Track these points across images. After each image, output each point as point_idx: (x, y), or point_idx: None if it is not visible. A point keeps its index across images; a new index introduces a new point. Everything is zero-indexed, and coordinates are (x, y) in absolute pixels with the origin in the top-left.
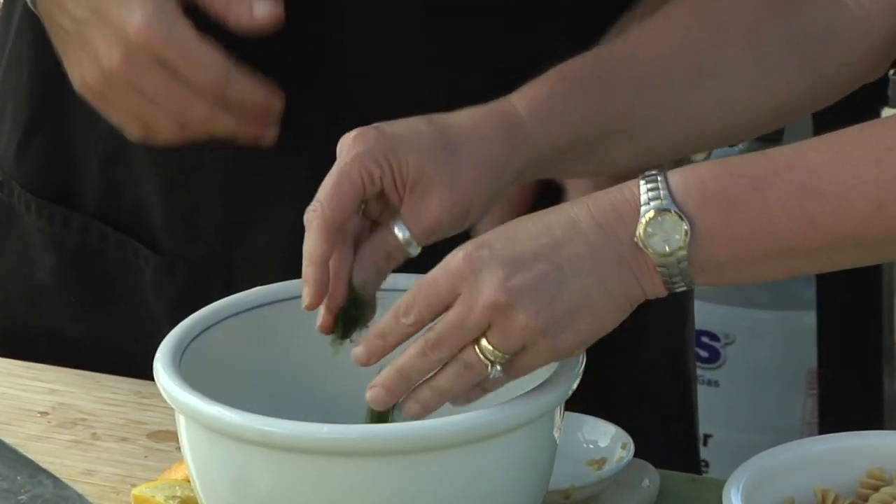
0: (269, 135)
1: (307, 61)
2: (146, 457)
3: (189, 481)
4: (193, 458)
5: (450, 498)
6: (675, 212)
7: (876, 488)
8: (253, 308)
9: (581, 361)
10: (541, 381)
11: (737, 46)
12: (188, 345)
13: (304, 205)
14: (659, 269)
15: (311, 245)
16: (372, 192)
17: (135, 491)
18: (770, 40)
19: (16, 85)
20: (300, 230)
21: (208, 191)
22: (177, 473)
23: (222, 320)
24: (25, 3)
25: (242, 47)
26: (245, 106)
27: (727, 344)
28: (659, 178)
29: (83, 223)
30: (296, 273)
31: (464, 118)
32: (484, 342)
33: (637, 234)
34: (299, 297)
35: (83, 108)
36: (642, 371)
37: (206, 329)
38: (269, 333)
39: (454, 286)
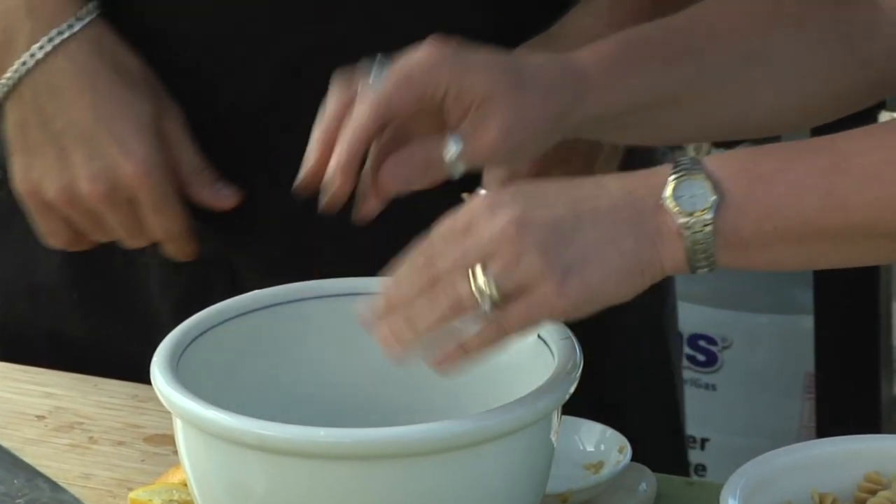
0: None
1: (307, 66)
2: (143, 460)
3: (186, 485)
4: (190, 462)
5: (446, 502)
6: (705, 176)
7: (873, 492)
8: (250, 312)
9: (578, 365)
10: (538, 384)
11: (787, 34)
12: (185, 348)
13: (309, 206)
14: (683, 234)
15: (361, 114)
16: (429, 105)
17: (132, 495)
18: (820, 32)
19: None
20: (305, 230)
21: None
22: (174, 477)
23: (219, 324)
24: None
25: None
26: (178, 253)
27: (724, 348)
28: (690, 157)
29: None
30: (300, 272)
31: (537, 60)
32: (479, 272)
33: (664, 194)
34: (296, 300)
35: None
36: (623, 369)
37: (202, 333)
38: (265, 337)
39: (470, 222)
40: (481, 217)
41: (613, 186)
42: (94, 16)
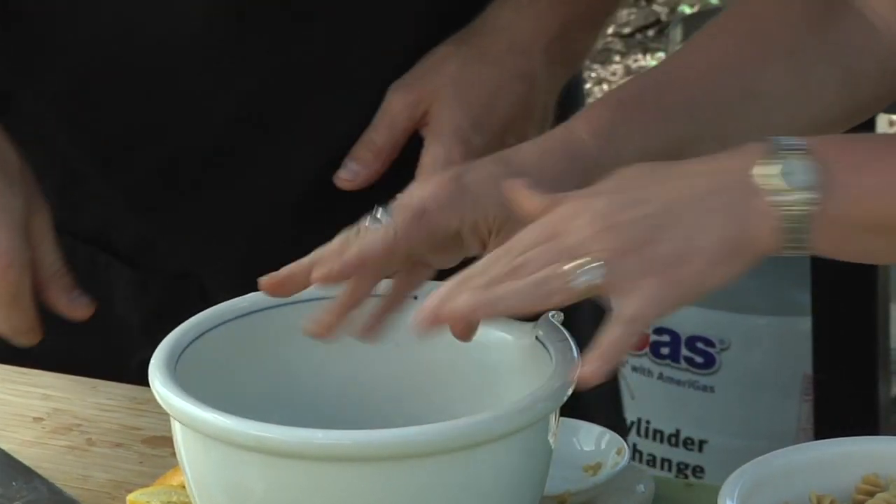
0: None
1: (274, 87)
2: (141, 462)
3: (184, 487)
4: (189, 464)
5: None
6: (808, 156)
7: (871, 494)
8: (247, 314)
9: (576, 367)
10: (536, 386)
11: (778, 65)
12: (183, 351)
13: (273, 220)
14: (780, 212)
15: (369, 247)
16: (442, 239)
17: (130, 496)
18: (811, 58)
19: None
20: (270, 244)
21: (175, 208)
22: (172, 479)
23: (217, 326)
24: None
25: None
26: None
27: (723, 349)
28: (790, 137)
29: None
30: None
31: (529, 152)
32: (576, 272)
33: (760, 172)
34: (294, 303)
35: (31, 134)
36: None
37: (201, 335)
38: (263, 339)
39: (555, 230)
40: (568, 223)
41: (700, 170)
42: None
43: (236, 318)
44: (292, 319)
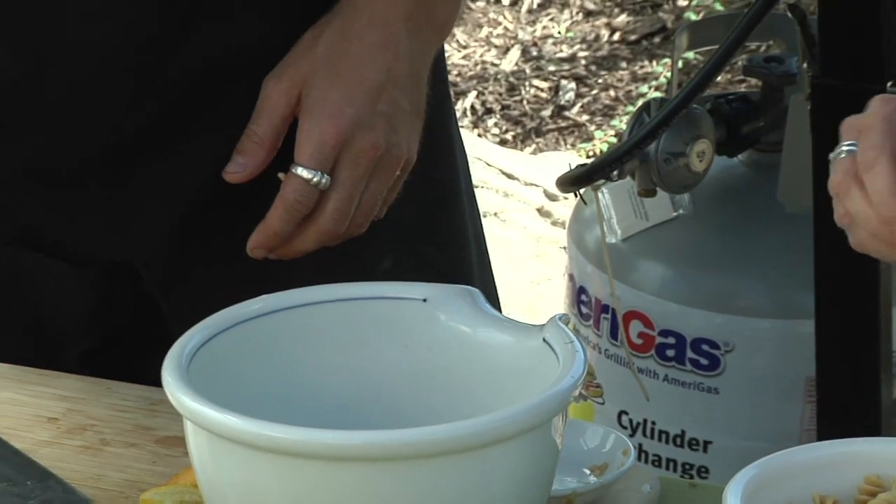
0: None
1: (205, 83)
2: (154, 462)
3: (197, 486)
4: (201, 464)
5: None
6: None
7: (873, 494)
8: (259, 316)
9: (583, 369)
10: (543, 387)
11: None
12: (196, 352)
13: (192, 202)
14: None
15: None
16: None
17: (143, 496)
18: None
19: None
20: (186, 234)
21: (87, 213)
22: (185, 478)
23: (230, 328)
24: None
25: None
26: None
27: (727, 352)
28: None
29: None
30: (189, 280)
31: None
32: None
33: None
34: (305, 305)
35: None
36: None
37: (213, 336)
38: (276, 341)
39: None
40: None
41: None
42: None
43: (248, 319)
44: (304, 322)
